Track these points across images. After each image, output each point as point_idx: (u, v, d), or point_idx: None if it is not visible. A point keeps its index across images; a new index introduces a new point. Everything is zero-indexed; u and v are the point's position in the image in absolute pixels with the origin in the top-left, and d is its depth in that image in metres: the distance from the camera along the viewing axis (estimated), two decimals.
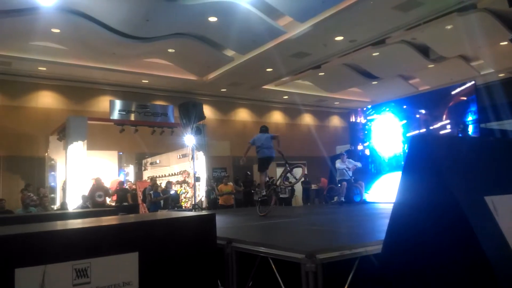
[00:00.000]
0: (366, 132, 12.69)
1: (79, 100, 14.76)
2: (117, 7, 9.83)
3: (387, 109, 12.11)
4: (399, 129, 11.51)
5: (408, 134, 11.21)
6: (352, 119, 13.48)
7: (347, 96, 19.18)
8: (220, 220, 5.21)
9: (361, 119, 12.95)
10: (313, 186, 15.63)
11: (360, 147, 12.83)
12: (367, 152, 12.59)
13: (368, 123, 12.63)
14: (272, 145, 7.15)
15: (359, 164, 10.75)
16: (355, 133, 13.21)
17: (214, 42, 12.35)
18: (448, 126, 10.29)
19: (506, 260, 1.81)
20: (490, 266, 1.75)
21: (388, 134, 11.85)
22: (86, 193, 10.55)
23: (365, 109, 13.27)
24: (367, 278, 2.94)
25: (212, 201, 11.98)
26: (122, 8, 9.86)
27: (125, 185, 12.85)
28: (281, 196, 13.50)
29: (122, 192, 11.98)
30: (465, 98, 9.99)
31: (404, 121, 11.46)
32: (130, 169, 16.24)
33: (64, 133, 11.84)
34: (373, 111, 12.61)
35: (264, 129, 7.46)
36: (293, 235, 4.56)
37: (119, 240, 2.66)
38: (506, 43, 11.82)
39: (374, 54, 13.62)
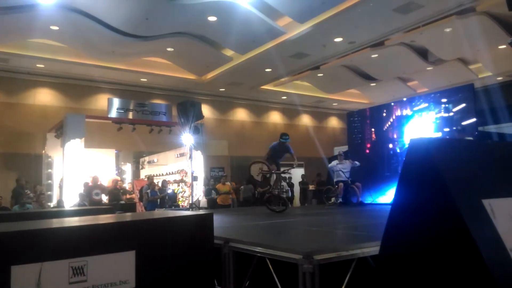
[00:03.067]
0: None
1: (77, 98, 14.72)
2: (117, 6, 9.81)
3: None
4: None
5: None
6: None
7: (346, 98, 19.20)
8: (218, 220, 5.20)
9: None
10: (311, 187, 15.64)
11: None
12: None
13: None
14: None
15: (357, 163, 10.30)
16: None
17: (213, 42, 12.34)
18: None
19: (503, 263, 1.82)
20: (487, 269, 1.75)
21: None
22: (82, 190, 10.53)
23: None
24: (364, 280, 2.95)
25: (212, 201, 11.96)
26: (121, 6, 9.83)
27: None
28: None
29: (116, 190, 11.94)
30: None
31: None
32: (128, 168, 16.21)
33: (61, 131, 11.80)
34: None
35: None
36: (290, 236, 4.57)
37: (116, 239, 2.66)
38: (504, 46, 11.84)
39: (373, 56, 13.64)
